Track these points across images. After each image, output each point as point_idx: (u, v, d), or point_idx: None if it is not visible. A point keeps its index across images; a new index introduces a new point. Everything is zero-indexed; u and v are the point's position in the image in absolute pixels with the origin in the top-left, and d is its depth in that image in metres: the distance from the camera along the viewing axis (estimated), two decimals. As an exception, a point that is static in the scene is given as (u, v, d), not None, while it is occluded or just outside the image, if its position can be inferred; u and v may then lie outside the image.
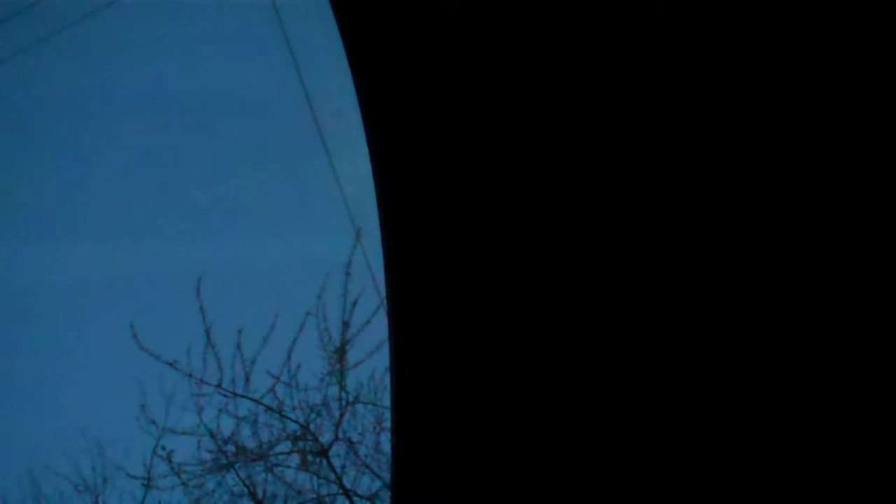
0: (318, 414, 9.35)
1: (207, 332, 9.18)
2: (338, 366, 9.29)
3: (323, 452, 9.33)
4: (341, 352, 9.27)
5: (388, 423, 8.92)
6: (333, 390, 9.34)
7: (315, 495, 9.39)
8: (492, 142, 1.87)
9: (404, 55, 1.90)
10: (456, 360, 1.86)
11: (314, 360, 9.29)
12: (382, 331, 8.74)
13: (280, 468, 9.41)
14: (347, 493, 9.33)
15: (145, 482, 9.33)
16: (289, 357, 9.25)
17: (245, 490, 9.39)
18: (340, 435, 9.35)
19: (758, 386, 1.77)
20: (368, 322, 9.16)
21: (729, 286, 1.79)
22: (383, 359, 8.91)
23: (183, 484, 9.34)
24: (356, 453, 9.34)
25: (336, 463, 9.36)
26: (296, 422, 9.36)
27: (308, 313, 9.17)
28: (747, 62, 1.80)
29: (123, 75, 9.47)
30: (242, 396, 9.30)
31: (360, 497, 9.34)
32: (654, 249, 1.81)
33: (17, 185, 9.56)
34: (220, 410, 9.30)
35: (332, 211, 8.99)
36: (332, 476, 9.34)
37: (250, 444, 9.38)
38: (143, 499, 9.36)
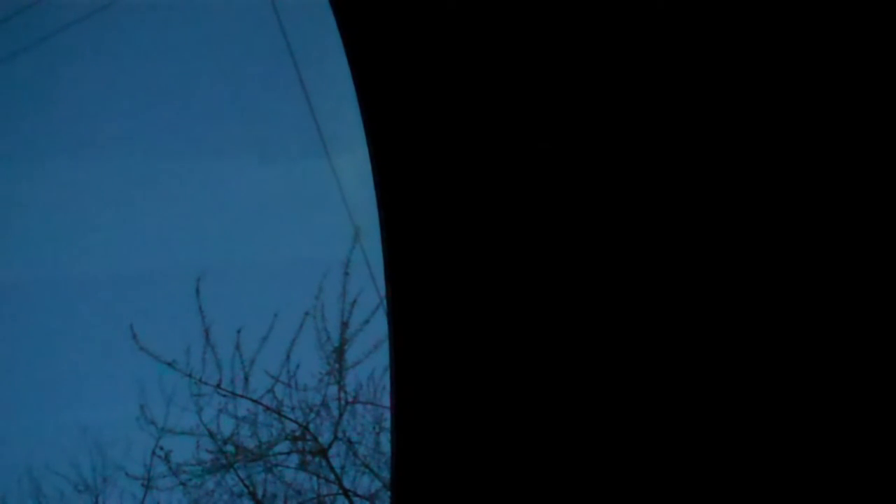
0: (318, 414, 9.36)
1: (207, 332, 9.19)
2: (337, 366, 9.30)
3: (322, 452, 9.33)
4: (340, 352, 9.27)
5: (387, 423, 8.93)
6: (332, 390, 9.35)
7: (315, 495, 9.40)
8: (492, 142, 1.87)
9: (404, 55, 1.90)
10: (456, 360, 1.87)
11: (313, 360, 9.29)
12: (381, 330, 8.75)
13: (279, 468, 9.41)
14: (347, 493, 9.33)
15: (145, 482, 9.34)
16: (288, 357, 9.26)
17: (245, 490, 9.40)
18: (340, 435, 9.35)
19: (758, 386, 1.77)
20: (367, 322, 9.17)
21: (729, 286, 1.79)
22: (382, 359, 8.92)
23: (182, 484, 9.35)
24: (355, 453, 9.35)
25: (335, 463, 9.37)
26: (295, 422, 9.37)
27: (307, 313, 9.18)
28: (747, 62, 1.80)
29: (123, 75, 9.47)
30: (242, 396, 9.30)
31: (360, 497, 9.34)
32: (654, 250, 1.81)
33: (17, 183, 9.56)
34: (220, 410, 9.31)
35: (332, 211, 8.99)
36: (332, 476, 9.35)
37: (250, 444, 9.38)
38: (143, 499, 9.36)
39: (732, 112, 1.81)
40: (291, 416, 9.34)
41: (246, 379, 9.26)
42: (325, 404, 9.34)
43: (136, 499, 9.38)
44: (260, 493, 9.40)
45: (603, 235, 1.83)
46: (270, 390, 9.26)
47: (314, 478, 9.38)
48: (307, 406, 9.32)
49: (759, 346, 1.78)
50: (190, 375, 9.23)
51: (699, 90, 1.81)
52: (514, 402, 1.84)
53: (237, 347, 9.23)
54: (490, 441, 1.84)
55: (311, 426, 9.36)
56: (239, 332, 9.19)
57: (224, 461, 9.36)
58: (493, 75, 1.87)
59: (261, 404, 9.30)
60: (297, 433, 9.38)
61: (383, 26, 1.91)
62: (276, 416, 9.34)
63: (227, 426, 9.35)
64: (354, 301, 9.16)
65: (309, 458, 9.38)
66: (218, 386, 9.25)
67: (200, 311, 9.15)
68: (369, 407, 9.34)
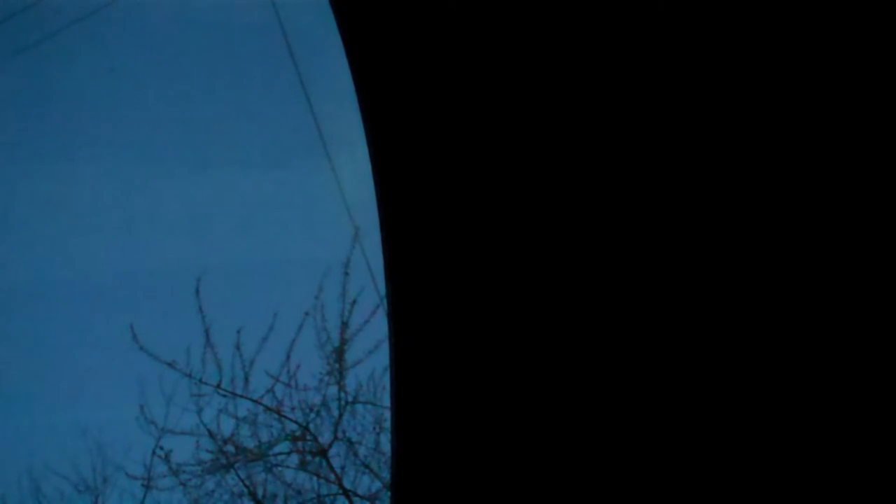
0: (318, 414, 9.36)
1: (207, 332, 9.19)
2: (337, 366, 9.30)
3: (322, 452, 9.34)
4: (340, 352, 9.27)
5: (387, 423, 8.92)
6: (332, 390, 9.35)
7: (315, 495, 9.40)
8: (492, 142, 1.87)
9: (404, 55, 1.90)
10: (456, 360, 1.87)
11: (313, 360, 9.29)
12: (381, 330, 8.75)
13: (279, 468, 9.41)
14: (347, 493, 9.33)
15: (145, 482, 9.34)
16: (288, 357, 9.26)
17: (245, 490, 9.40)
18: (340, 435, 9.35)
19: (758, 386, 1.77)
20: (367, 322, 9.17)
21: (729, 286, 1.79)
22: (382, 359, 8.92)
23: (182, 484, 9.35)
24: (356, 453, 9.35)
25: (335, 463, 9.37)
26: (295, 422, 9.37)
27: (307, 313, 9.19)
28: (747, 62, 1.80)
29: (123, 75, 9.47)
30: (242, 396, 9.31)
31: (360, 497, 9.34)
32: (654, 249, 1.81)
33: (17, 183, 9.56)
34: (220, 410, 9.31)
35: (332, 211, 8.99)
36: (332, 476, 9.35)
37: (250, 444, 9.38)
38: (143, 499, 9.36)
39: (732, 112, 1.81)
40: (291, 416, 9.34)
41: (246, 379, 9.27)
42: (325, 404, 9.34)
43: (136, 499, 9.39)
44: (260, 493, 9.40)
45: (603, 235, 1.83)
46: (270, 390, 9.26)
47: (314, 478, 9.39)
48: (307, 406, 9.33)
49: (759, 346, 1.78)
50: (190, 375, 9.24)
51: (699, 90, 1.81)
52: (514, 401, 1.84)
53: (237, 347, 9.23)
54: (490, 441, 1.84)
55: (311, 426, 9.37)
56: (239, 332, 9.20)
57: (224, 461, 9.36)
58: (493, 75, 1.87)
59: (261, 404, 9.30)
60: (297, 433, 9.38)
61: (383, 26, 1.91)
62: (276, 416, 9.34)
63: (227, 426, 9.36)
64: (354, 301, 9.16)
65: (309, 458, 9.38)
66: (218, 386, 9.25)
67: (200, 311, 9.16)
68: (369, 407, 9.34)
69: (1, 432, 9.50)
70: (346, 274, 9.10)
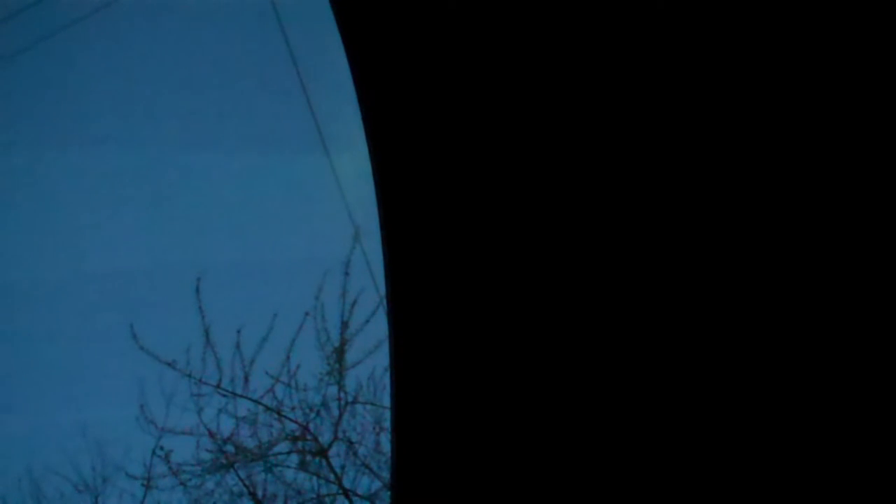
0: (318, 414, 9.36)
1: (206, 332, 9.19)
2: (337, 366, 9.30)
3: (322, 452, 9.34)
4: (340, 352, 9.27)
5: (387, 423, 8.93)
6: (332, 390, 9.35)
7: (314, 495, 9.40)
8: (492, 142, 1.87)
9: (404, 55, 1.91)
10: (456, 360, 1.87)
11: (313, 360, 9.30)
12: (381, 331, 8.75)
13: (279, 468, 9.42)
14: (347, 493, 9.34)
15: (145, 482, 9.34)
16: (288, 357, 9.26)
17: (245, 490, 9.40)
18: (340, 435, 9.36)
19: (758, 386, 1.77)
20: (367, 322, 9.17)
21: (729, 286, 1.79)
22: (382, 359, 8.92)
23: (182, 484, 9.35)
24: (355, 453, 9.35)
25: (335, 463, 9.37)
26: (295, 422, 9.37)
27: (307, 313, 9.19)
28: (747, 62, 1.80)
29: (123, 75, 9.47)
30: (241, 396, 9.31)
31: (360, 497, 9.35)
32: (654, 250, 1.81)
33: (17, 182, 9.56)
34: (220, 410, 9.32)
35: (332, 211, 9.00)
36: (332, 476, 9.35)
37: (249, 443, 9.39)
38: (143, 499, 9.37)
39: (732, 112, 1.81)
40: (291, 416, 9.34)
41: (246, 379, 9.27)
42: (325, 404, 9.34)
43: (136, 499, 9.39)
44: (260, 493, 9.40)
45: (603, 235, 1.83)
46: (270, 390, 9.27)
47: (314, 478, 9.39)
48: (307, 406, 9.33)
49: (759, 346, 1.78)
50: (190, 375, 9.24)
51: (699, 90, 1.81)
52: (514, 401, 1.84)
53: (237, 347, 9.23)
54: (490, 441, 1.84)
55: (311, 426, 9.37)
56: (239, 332, 9.20)
57: (224, 461, 9.36)
58: (494, 75, 1.87)
59: (261, 404, 9.30)
60: (297, 433, 9.38)
61: (383, 26, 1.91)
62: (276, 416, 9.34)
63: (227, 426, 9.36)
64: (354, 301, 9.17)
65: (309, 458, 9.38)
66: (218, 386, 9.26)
67: (200, 310, 9.16)
68: (369, 407, 9.35)
69: (1, 432, 9.50)
70: (346, 274, 9.11)
